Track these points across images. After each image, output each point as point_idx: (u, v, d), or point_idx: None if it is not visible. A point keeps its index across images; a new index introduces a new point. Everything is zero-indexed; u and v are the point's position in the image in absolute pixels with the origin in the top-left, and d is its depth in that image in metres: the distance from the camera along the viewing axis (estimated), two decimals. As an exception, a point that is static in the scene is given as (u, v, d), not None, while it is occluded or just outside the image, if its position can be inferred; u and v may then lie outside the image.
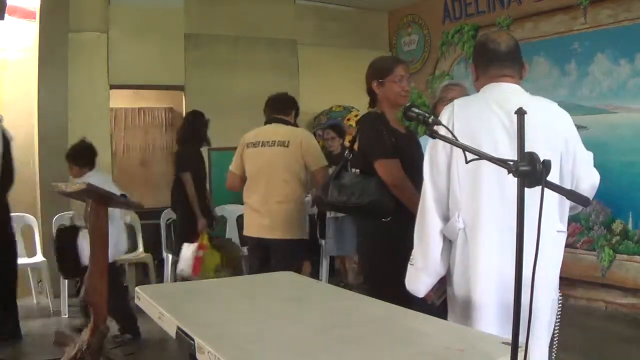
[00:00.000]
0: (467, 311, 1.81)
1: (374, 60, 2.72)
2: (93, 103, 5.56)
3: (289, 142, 3.38)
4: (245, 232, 3.57)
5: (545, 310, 1.80)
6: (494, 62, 1.90)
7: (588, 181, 1.91)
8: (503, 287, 1.72)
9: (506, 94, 1.85)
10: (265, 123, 3.56)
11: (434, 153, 1.87)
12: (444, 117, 1.85)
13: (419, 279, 1.91)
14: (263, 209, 3.39)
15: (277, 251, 3.38)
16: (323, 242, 5.45)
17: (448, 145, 1.80)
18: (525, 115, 1.73)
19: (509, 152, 1.66)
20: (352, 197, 2.52)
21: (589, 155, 1.94)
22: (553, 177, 1.76)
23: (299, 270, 3.18)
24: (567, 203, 1.85)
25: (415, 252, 1.92)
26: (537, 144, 1.67)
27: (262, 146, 3.42)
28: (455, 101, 1.91)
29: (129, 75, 5.74)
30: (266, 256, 3.44)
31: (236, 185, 3.59)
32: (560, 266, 1.87)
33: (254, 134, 3.51)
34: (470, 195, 1.81)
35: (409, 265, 1.94)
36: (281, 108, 3.53)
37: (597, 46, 4.84)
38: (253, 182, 3.47)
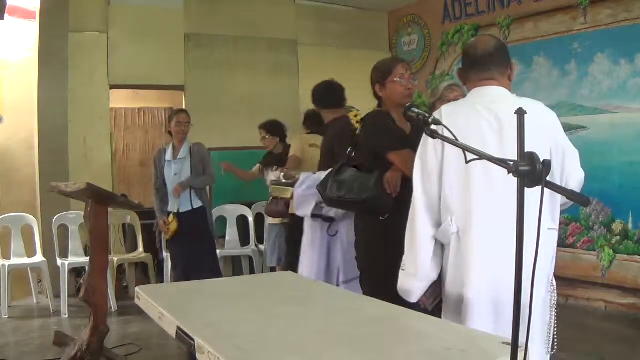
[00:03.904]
0: (459, 310, 1.84)
1: (376, 63, 2.73)
2: (93, 103, 5.56)
3: None
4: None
5: (537, 309, 1.81)
6: (472, 67, 1.94)
7: (576, 178, 1.94)
8: (495, 286, 1.76)
9: (492, 97, 1.88)
10: (310, 132, 4.66)
11: (424, 159, 1.90)
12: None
13: (410, 284, 1.94)
14: None
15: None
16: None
17: (439, 150, 1.84)
18: (512, 118, 1.77)
19: (499, 154, 1.66)
20: (351, 193, 2.53)
21: (576, 153, 1.97)
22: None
23: None
24: (558, 201, 1.88)
25: (406, 258, 1.95)
26: (528, 145, 1.69)
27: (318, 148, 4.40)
28: (443, 107, 1.95)
29: (129, 75, 5.74)
30: None
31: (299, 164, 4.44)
32: (552, 264, 1.89)
33: (312, 138, 4.53)
34: (462, 199, 1.84)
35: (400, 271, 1.97)
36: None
37: (597, 46, 4.84)
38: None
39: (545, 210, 1.83)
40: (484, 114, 1.83)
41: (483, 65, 1.92)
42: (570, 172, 1.92)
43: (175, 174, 4.34)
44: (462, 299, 1.83)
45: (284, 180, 3.85)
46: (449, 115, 1.87)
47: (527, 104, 1.89)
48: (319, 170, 3.36)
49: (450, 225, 1.85)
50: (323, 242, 3.27)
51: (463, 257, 1.83)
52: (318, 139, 4.64)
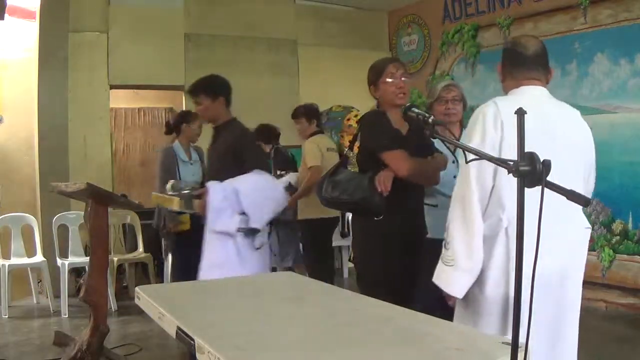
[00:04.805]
0: (503, 312, 1.79)
1: (372, 63, 2.71)
2: (93, 103, 5.57)
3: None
4: (320, 215, 4.25)
5: (577, 309, 1.84)
6: (520, 65, 1.94)
7: (592, 182, 2.01)
8: (544, 282, 1.68)
9: (538, 98, 1.89)
10: (318, 132, 4.65)
11: (482, 149, 1.82)
12: (489, 113, 1.84)
13: (461, 280, 1.86)
14: None
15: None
16: None
17: (497, 142, 1.79)
18: (557, 121, 1.86)
19: (549, 154, 1.47)
20: (345, 193, 2.53)
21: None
22: (576, 182, 1.83)
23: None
24: None
25: (458, 254, 1.85)
26: (571, 150, 1.79)
27: (334, 152, 4.60)
28: (497, 100, 1.89)
29: (129, 75, 5.74)
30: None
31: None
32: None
33: (327, 142, 4.64)
34: (515, 192, 1.80)
35: (444, 267, 1.89)
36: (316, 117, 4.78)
37: (597, 46, 4.84)
38: None
39: (580, 210, 1.90)
40: (536, 112, 1.79)
41: (532, 64, 1.93)
42: (590, 187, 2.00)
43: (193, 175, 4.27)
44: (509, 300, 1.75)
45: (170, 193, 3.17)
46: (505, 108, 1.82)
47: (569, 109, 1.98)
48: (214, 178, 2.94)
49: (501, 219, 1.80)
50: (252, 256, 2.90)
51: (510, 254, 1.77)
52: (330, 142, 4.76)
